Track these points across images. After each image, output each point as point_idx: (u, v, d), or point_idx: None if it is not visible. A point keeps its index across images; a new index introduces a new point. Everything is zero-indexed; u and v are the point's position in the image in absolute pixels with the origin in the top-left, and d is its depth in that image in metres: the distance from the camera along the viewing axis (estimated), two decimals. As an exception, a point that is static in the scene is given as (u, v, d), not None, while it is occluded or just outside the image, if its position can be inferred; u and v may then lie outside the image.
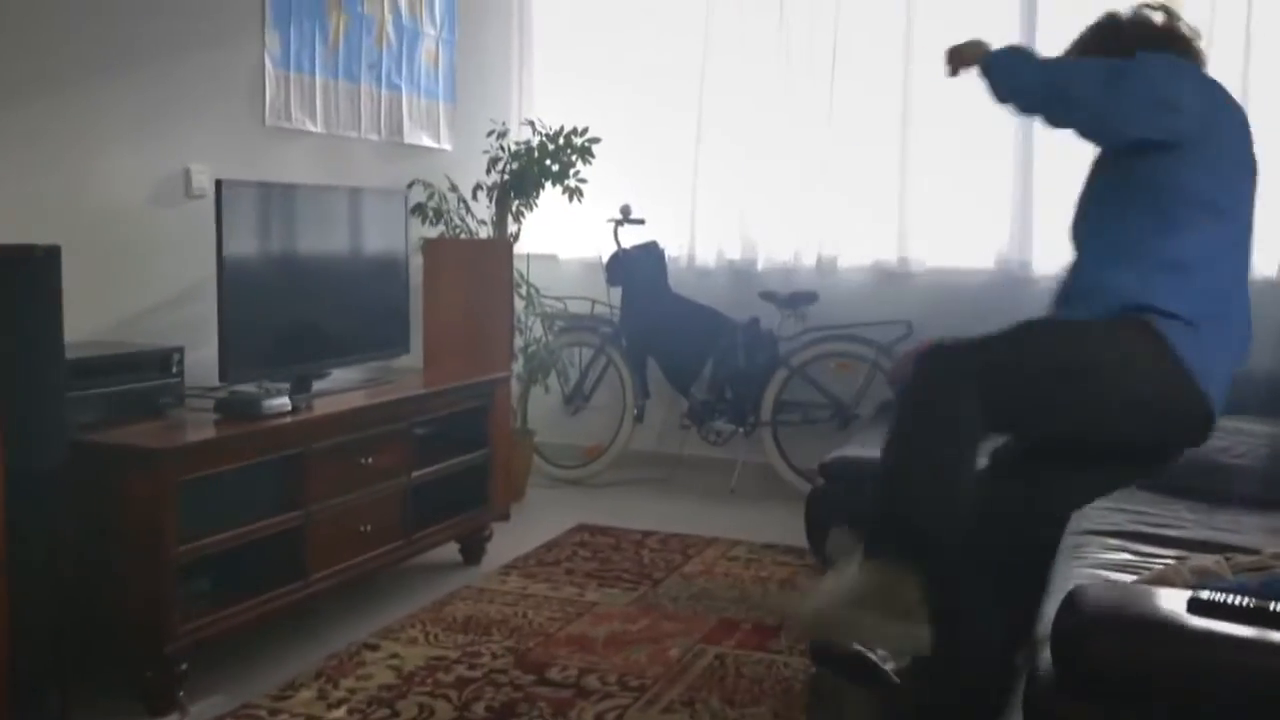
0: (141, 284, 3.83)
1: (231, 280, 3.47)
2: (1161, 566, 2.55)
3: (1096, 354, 2.52)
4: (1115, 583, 2.24)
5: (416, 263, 4.92)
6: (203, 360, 3.57)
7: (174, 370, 3.35)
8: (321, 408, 3.64)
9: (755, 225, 5.65)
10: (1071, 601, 2.17)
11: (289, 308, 3.79)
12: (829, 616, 2.51)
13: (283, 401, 3.42)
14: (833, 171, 5.47)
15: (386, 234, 4.32)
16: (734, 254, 5.71)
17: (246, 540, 3.25)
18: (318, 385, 3.87)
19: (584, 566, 4.30)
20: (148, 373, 3.30)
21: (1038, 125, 5.17)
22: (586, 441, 5.76)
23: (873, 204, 5.44)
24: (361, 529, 3.70)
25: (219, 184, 3.46)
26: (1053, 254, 5.10)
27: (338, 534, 3.60)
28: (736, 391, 5.52)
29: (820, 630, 2.65)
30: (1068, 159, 5.14)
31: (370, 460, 3.72)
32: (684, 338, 5.58)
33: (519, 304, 5.40)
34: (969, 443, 2.45)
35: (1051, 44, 3.05)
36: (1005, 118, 5.17)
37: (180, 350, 3.39)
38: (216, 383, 3.51)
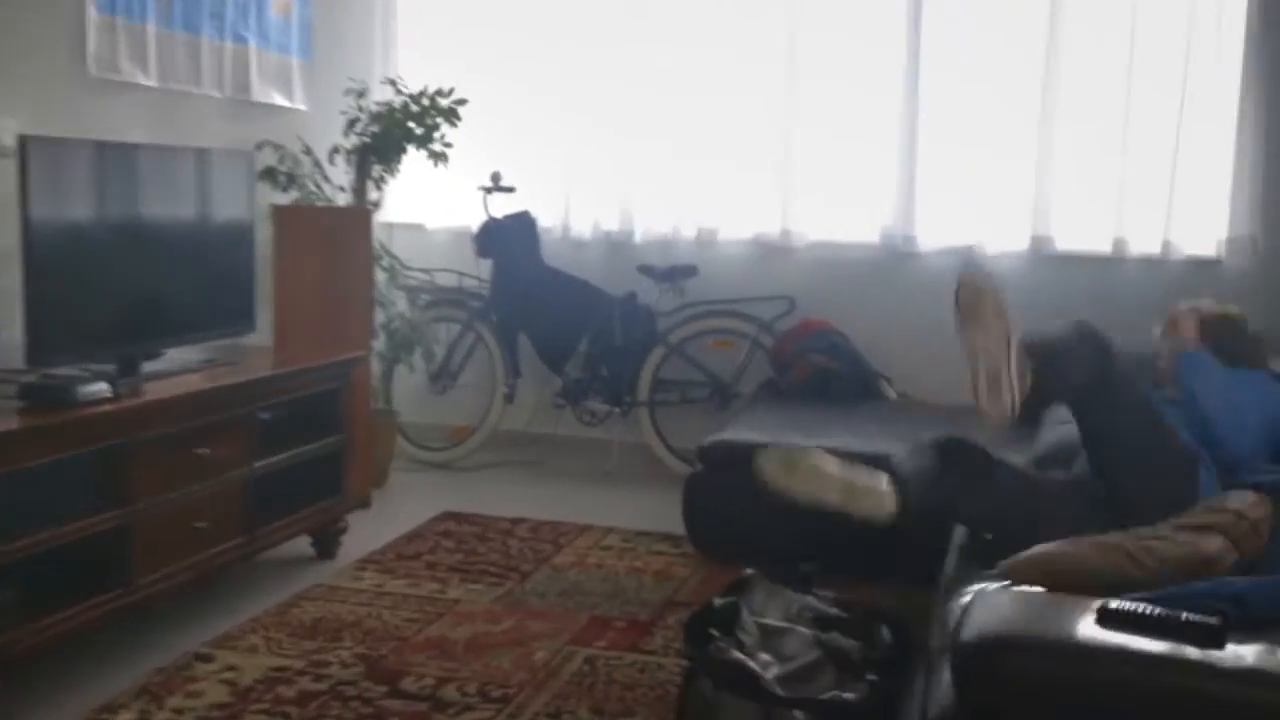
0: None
1: (41, 250, 3.09)
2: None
3: None
4: (1020, 591, 2.03)
5: (266, 232, 4.55)
6: (11, 342, 3.18)
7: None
8: (151, 392, 3.28)
9: (633, 195, 5.39)
10: (973, 615, 1.96)
11: (114, 281, 3.41)
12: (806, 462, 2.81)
13: (100, 387, 3.05)
14: (714, 142, 5.23)
15: (231, 200, 3.94)
16: (610, 225, 5.44)
17: (58, 544, 2.89)
18: (149, 367, 3.50)
19: (447, 559, 4.01)
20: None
21: (923, 99, 5.11)
22: (454, 422, 5.46)
23: (754, 176, 5.22)
24: (197, 526, 3.35)
25: (23, 141, 3.07)
26: (937, 229, 4.96)
27: (169, 533, 3.25)
28: (612, 369, 5.27)
29: (788, 469, 2.84)
30: (951, 135, 5.08)
31: (208, 450, 3.38)
32: (557, 313, 5.31)
33: (380, 277, 5.06)
34: None
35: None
36: (890, 90, 5.05)
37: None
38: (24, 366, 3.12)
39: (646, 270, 5.23)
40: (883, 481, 2.80)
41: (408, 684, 3.00)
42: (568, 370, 5.33)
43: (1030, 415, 2.89)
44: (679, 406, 5.22)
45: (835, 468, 2.84)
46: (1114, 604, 1.91)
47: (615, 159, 5.37)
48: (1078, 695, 1.79)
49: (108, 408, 3.05)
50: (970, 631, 1.88)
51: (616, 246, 5.44)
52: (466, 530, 4.34)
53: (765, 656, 2.61)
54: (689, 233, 5.33)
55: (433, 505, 4.62)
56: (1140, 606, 1.90)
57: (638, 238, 5.40)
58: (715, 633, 2.64)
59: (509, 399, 5.37)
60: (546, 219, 5.46)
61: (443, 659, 3.16)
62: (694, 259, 5.26)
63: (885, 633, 2.80)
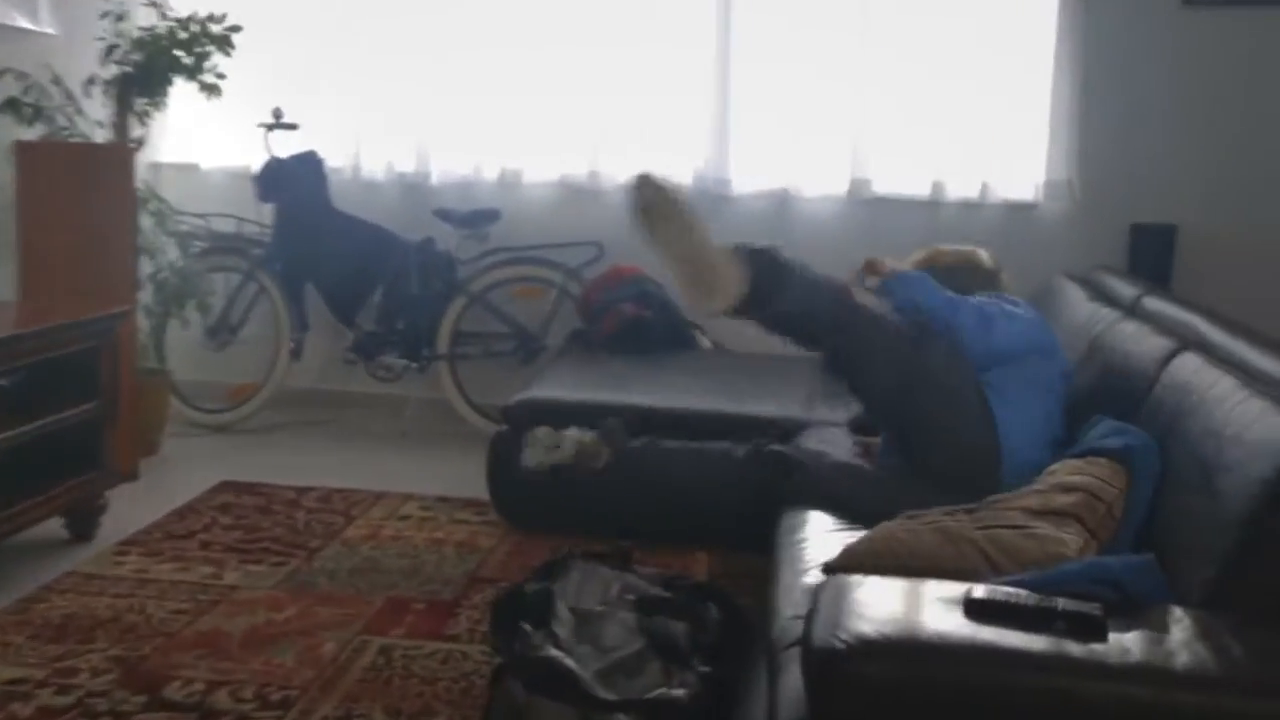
0: None
1: None
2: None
3: None
4: (876, 581, 1.79)
5: (6, 173, 4.00)
6: None
7: None
8: None
9: (430, 134, 4.99)
10: (823, 610, 1.71)
11: None
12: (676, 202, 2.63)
13: None
14: (518, 78, 4.87)
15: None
16: (405, 166, 5.04)
17: None
18: None
19: (224, 537, 3.60)
20: None
21: (736, 38, 4.85)
22: (235, 381, 4.99)
23: (562, 115, 4.88)
24: (-84, 513, 2.86)
25: None
26: (752, 172, 4.74)
27: (-122, 523, 2.76)
28: (409, 321, 4.88)
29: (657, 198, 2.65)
30: (767, 76, 4.84)
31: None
32: (348, 261, 4.88)
33: (146, 222, 4.53)
34: None
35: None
36: (703, 28, 4.78)
37: None
38: None
39: (445, 214, 4.85)
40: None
41: (172, 691, 2.60)
42: (360, 323, 4.92)
43: (757, 317, 2.74)
44: (482, 360, 4.88)
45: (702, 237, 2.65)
46: (980, 592, 1.69)
47: (410, 94, 4.96)
48: (948, 700, 1.56)
49: None
50: (823, 631, 1.63)
51: (412, 189, 5.05)
52: (247, 502, 3.92)
53: (583, 649, 2.34)
54: (491, 174, 4.98)
55: (210, 475, 4.17)
56: (1011, 595, 1.68)
57: (435, 179, 5.02)
58: (526, 626, 2.34)
59: (295, 355, 4.93)
60: (335, 159, 5.03)
61: (215, 658, 2.77)
62: (496, 202, 4.90)
63: (714, 611, 2.56)
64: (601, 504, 3.53)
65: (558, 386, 3.81)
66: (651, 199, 2.66)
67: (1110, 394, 2.69)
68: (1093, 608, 1.64)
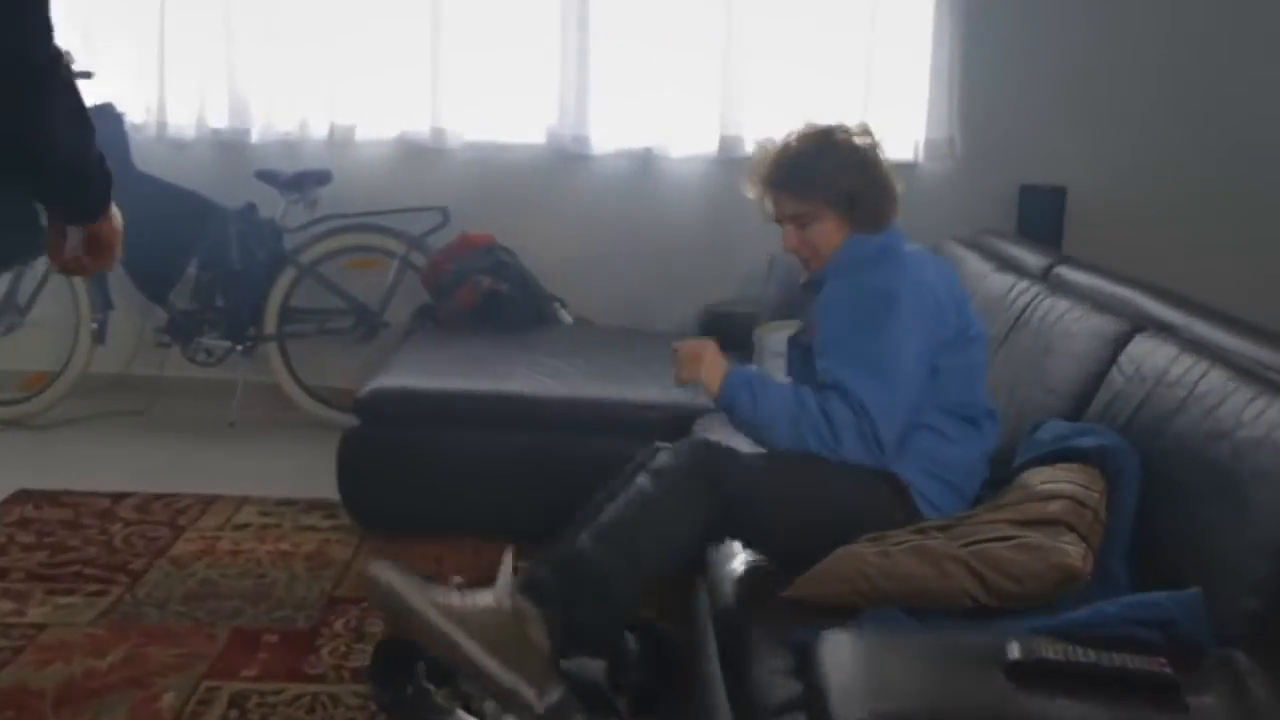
0: None
1: None
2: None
3: None
4: (883, 636, 1.48)
5: None
6: None
7: None
8: None
9: (248, 85, 4.43)
10: (828, 677, 1.39)
11: None
12: (437, 628, 1.92)
13: None
14: (348, 21, 4.35)
15: None
16: (220, 122, 4.46)
17: None
18: None
19: (24, 562, 3.06)
20: None
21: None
22: (27, 368, 4.37)
23: (399, 66, 4.39)
24: None
25: None
26: (613, 130, 4.37)
27: None
28: (230, 298, 4.34)
29: (415, 634, 1.97)
30: (629, 21, 4.42)
31: None
32: (156, 231, 4.20)
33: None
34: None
35: None
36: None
37: None
38: None
39: (268, 177, 4.32)
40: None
41: (-27, 774, 2.12)
42: (173, 300, 4.36)
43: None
44: (315, 339, 4.39)
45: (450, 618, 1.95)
46: (1018, 650, 1.39)
47: (224, 39, 4.38)
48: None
49: None
50: (845, 710, 1.30)
51: (228, 148, 4.48)
52: (50, 516, 3.37)
53: (490, 705, 1.96)
54: (319, 131, 4.45)
55: (1, 481, 3.60)
56: (1058, 650, 1.39)
57: (255, 137, 4.47)
58: (424, 681, 1.95)
59: (99, 337, 4.33)
60: (136, 114, 4.42)
61: (25, 722, 2.29)
62: (326, 163, 4.39)
63: (630, 641, 2.22)
64: (467, 501, 3.15)
65: (413, 373, 3.39)
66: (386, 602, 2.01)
67: (1050, 383, 2.45)
68: (1160, 664, 1.36)
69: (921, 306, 2.23)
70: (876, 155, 2.38)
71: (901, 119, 4.20)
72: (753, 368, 2.40)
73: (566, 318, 4.25)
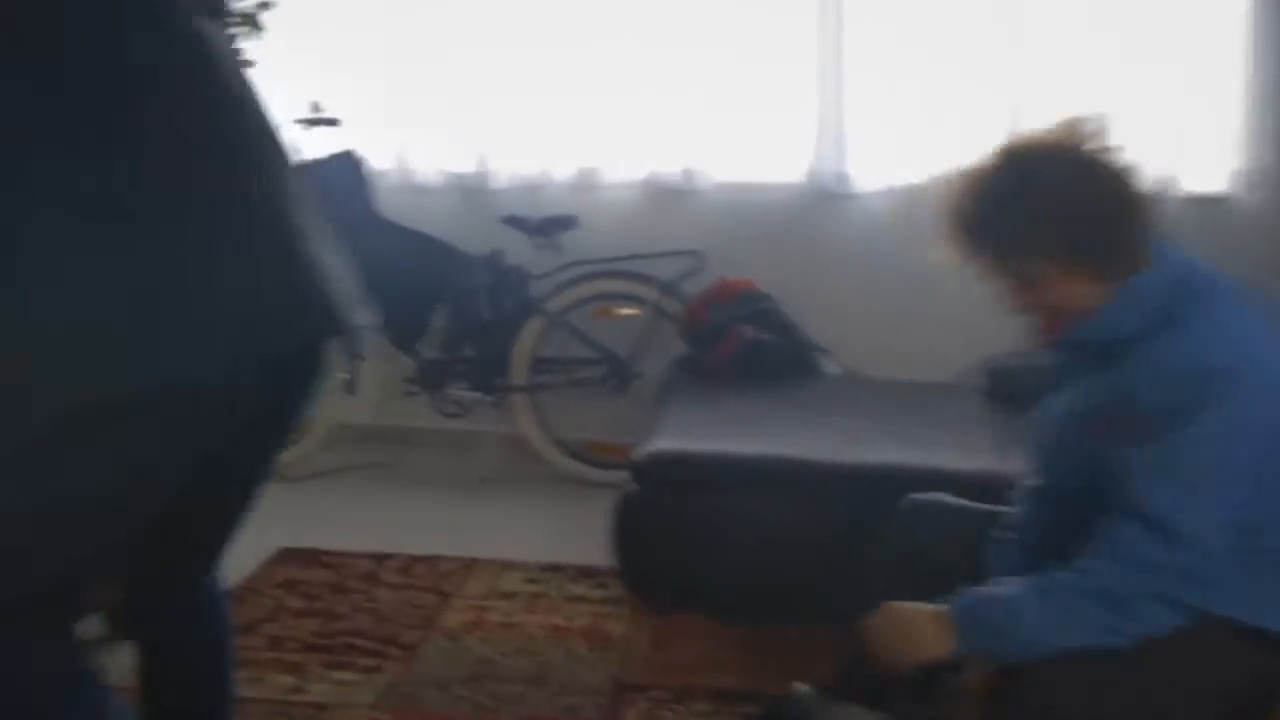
0: None
1: None
2: None
3: None
4: None
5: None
6: None
7: None
8: None
9: (491, 128, 4.31)
10: None
11: None
12: None
13: None
14: (595, 61, 4.19)
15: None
16: (463, 166, 4.36)
17: None
18: None
19: (297, 629, 2.95)
20: None
21: (846, 13, 4.20)
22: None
23: (646, 104, 4.20)
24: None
25: None
26: (875, 165, 4.10)
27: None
28: (479, 347, 4.22)
29: None
30: (888, 50, 4.13)
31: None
32: (402, 279, 4.14)
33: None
34: None
35: None
36: (805, 4, 4.12)
37: None
38: None
39: (514, 222, 4.19)
40: None
41: None
42: (420, 350, 4.25)
43: None
44: (565, 390, 4.22)
45: None
46: None
47: (467, 83, 4.27)
48: None
49: None
50: None
51: (472, 194, 4.37)
52: (316, 578, 3.26)
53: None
54: (564, 174, 4.31)
55: (263, 538, 3.49)
56: None
57: (499, 182, 4.35)
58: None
59: (349, 388, 4.25)
60: (378, 159, 4.35)
61: (324, 825, 2.13)
62: (572, 207, 4.23)
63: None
64: (758, 574, 2.90)
65: (690, 434, 3.15)
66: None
67: None
68: None
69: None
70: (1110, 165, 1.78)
71: (1210, 146, 3.78)
72: (977, 593, 1.77)
73: (832, 368, 3.97)
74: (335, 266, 1.67)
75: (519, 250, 4.18)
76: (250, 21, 3.83)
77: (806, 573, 2.79)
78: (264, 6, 3.84)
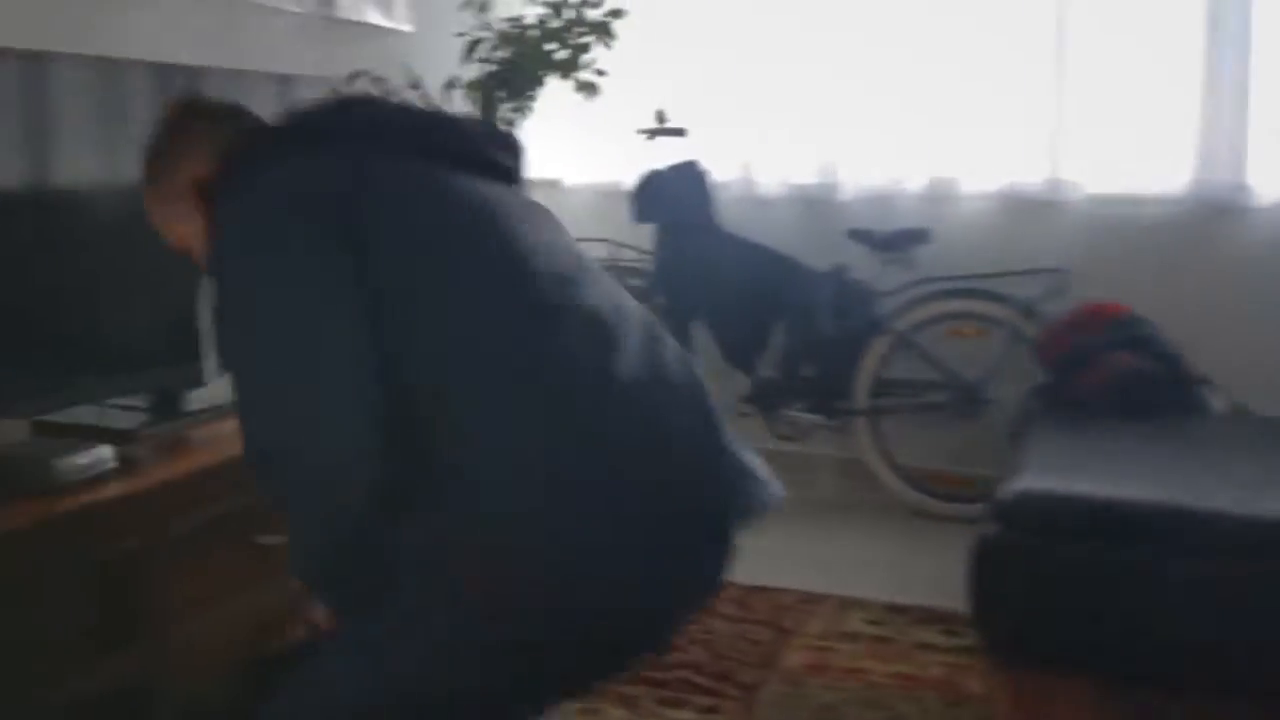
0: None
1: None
2: None
3: None
4: None
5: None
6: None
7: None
8: (190, 449, 2.11)
9: (839, 137, 4.10)
10: None
11: (128, 272, 2.24)
12: None
13: (96, 457, 1.87)
14: (952, 63, 3.91)
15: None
16: (808, 177, 4.17)
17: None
18: (194, 399, 2.33)
19: (630, 659, 2.80)
20: None
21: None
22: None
23: (1008, 107, 3.88)
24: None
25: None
26: (1277, 176, 3.61)
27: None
28: (819, 367, 4.00)
29: None
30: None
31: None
32: (742, 294, 4.04)
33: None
34: None
35: None
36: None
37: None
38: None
39: (861, 236, 3.95)
40: None
41: None
42: (758, 369, 4.08)
43: None
44: (907, 415, 3.94)
45: None
46: None
47: (814, 91, 4.09)
48: None
49: (111, 487, 1.88)
50: None
51: (816, 205, 4.17)
52: (646, 603, 3.12)
53: None
54: (917, 185, 4.03)
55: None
56: None
57: (847, 193, 4.12)
58: None
59: (681, 407, 4.13)
60: (722, 170, 4.21)
61: None
62: (924, 220, 3.95)
63: None
64: (1153, 643, 2.53)
65: (1063, 474, 2.80)
66: None
67: None
68: None
69: None
70: None
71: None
72: None
73: (1218, 404, 3.51)
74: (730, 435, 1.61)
75: (865, 265, 3.94)
76: (602, 29, 3.77)
77: (1206, 637, 2.41)
78: (615, 14, 3.77)
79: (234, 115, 1.63)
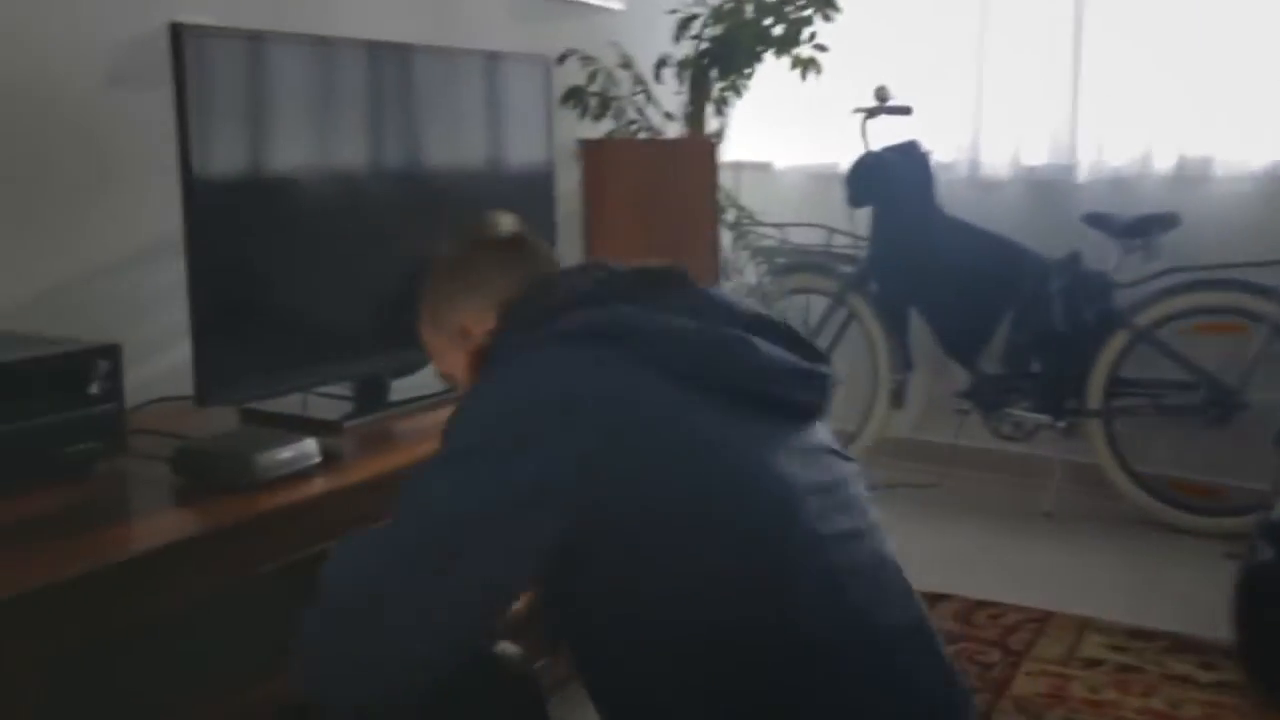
0: (70, 227, 2.25)
1: (210, 208, 1.84)
2: None
3: None
4: None
5: (570, 179, 3.26)
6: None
7: (96, 388, 1.74)
8: (394, 443, 2.01)
9: (1074, 113, 3.78)
10: None
11: (342, 256, 2.15)
12: None
13: (300, 451, 1.78)
14: (1204, 31, 3.55)
15: (521, 131, 2.61)
16: (1038, 158, 3.86)
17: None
18: (397, 390, 2.24)
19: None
20: (40, 394, 1.70)
21: None
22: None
23: (1271, 75, 3.50)
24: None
25: (177, 31, 1.80)
26: None
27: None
28: (1049, 364, 3.69)
29: None
30: None
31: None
32: (967, 283, 3.76)
33: (725, 236, 3.69)
34: None
35: None
36: None
37: (113, 350, 1.78)
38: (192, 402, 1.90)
39: (1098, 221, 3.62)
40: None
41: None
42: (980, 363, 3.80)
43: None
44: (1148, 417, 3.61)
45: None
46: None
47: (1047, 64, 3.78)
48: None
49: (318, 481, 1.79)
50: None
51: (1048, 188, 3.86)
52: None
53: None
54: (1164, 165, 3.68)
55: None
56: None
57: (1082, 175, 3.80)
58: None
59: (897, 400, 3.90)
60: (944, 151, 3.95)
61: None
62: (1172, 204, 3.60)
63: None
64: None
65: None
66: None
67: None
68: None
69: None
70: None
71: None
72: None
73: None
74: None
75: (1103, 254, 3.62)
76: (826, 4, 3.57)
77: None
78: (838, -13, 3.57)
79: (521, 261, 1.51)
